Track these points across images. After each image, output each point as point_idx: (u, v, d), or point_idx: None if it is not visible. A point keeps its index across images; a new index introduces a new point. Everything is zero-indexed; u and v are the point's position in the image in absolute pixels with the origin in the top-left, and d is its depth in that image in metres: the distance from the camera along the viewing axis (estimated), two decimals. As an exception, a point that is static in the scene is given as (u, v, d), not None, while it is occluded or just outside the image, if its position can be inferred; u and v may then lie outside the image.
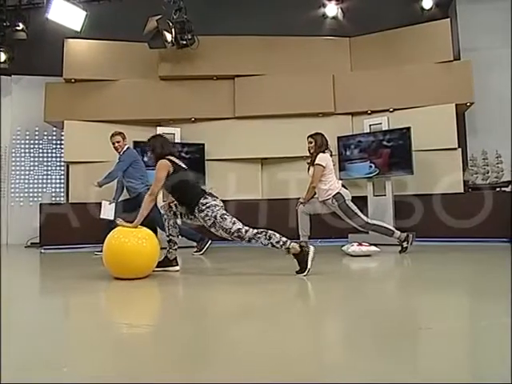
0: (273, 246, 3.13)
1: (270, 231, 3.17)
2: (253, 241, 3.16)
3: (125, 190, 5.08)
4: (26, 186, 7.20)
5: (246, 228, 3.19)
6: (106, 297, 2.78)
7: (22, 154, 7.23)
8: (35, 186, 7.23)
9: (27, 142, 7.25)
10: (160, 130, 6.21)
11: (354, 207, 4.33)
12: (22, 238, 6.57)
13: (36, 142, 7.28)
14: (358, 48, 6.51)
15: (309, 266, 3.06)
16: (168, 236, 3.49)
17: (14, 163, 7.18)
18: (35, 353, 1.51)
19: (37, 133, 7.26)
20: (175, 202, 3.50)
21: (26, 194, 7.17)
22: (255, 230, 3.17)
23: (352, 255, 4.17)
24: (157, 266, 3.38)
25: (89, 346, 1.65)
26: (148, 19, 5.61)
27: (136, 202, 4.74)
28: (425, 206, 5.49)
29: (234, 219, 3.23)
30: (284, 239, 3.12)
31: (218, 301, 2.58)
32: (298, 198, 4.68)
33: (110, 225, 4.56)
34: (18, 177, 7.18)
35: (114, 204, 4.94)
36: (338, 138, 6.02)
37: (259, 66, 6.49)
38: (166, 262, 3.45)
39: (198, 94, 6.48)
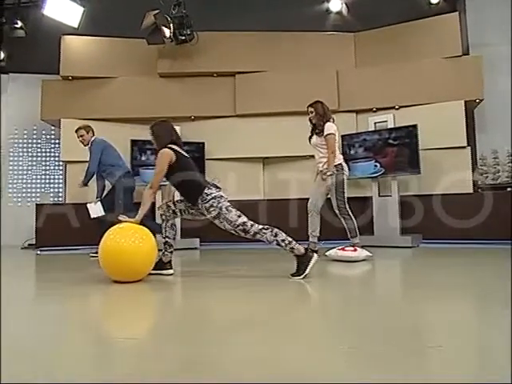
0: (278, 243, 3.05)
1: (276, 229, 3.09)
2: (257, 235, 3.06)
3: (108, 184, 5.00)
4: (24, 185, 7.08)
5: (252, 222, 3.10)
6: (98, 304, 2.64)
7: (20, 154, 7.11)
8: (33, 186, 7.12)
9: (25, 141, 7.13)
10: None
11: (346, 185, 4.20)
12: (19, 239, 6.45)
13: (34, 141, 7.16)
14: (362, 44, 6.32)
15: (307, 272, 2.97)
16: (164, 238, 3.37)
17: (11, 163, 7.07)
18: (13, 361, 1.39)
19: (35, 132, 7.14)
20: (174, 201, 3.38)
21: (24, 194, 7.06)
22: (261, 226, 3.08)
23: (340, 260, 3.94)
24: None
25: (71, 359, 1.49)
26: (145, 14, 5.46)
27: (114, 191, 4.83)
28: (432, 207, 5.30)
29: (239, 212, 3.13)
30: (290, 239, 3.05)
31: (214, 308, 2.41)
32: (306, 199, 4.47)
33: (103, 225, 4.45)
34: (15, 176, 7.07)
35: (99, 202, 4.86)
36: (342, 136, 5.82)
37: (261, 62, 6.32)
38: (159, 265, 3.31)
39: (197, 92, 6.32)
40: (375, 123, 5.83)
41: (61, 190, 7.10)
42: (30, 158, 7.14)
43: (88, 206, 4.86)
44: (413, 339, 1.69)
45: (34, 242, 6.09)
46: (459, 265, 3.85)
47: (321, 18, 6.35)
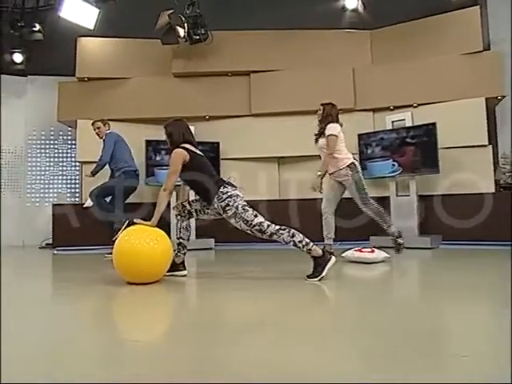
0: (295, 244, 2.99)
1: (293, 229, 3.03)
2: (274, 236, 3.01)
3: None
4: (42, 186, 7.18)
5: (268, 223, 3.05)
6: (109, 305, 2.62)
7: (38, 155, 7.21)
8: (51, 186, 7.20)
9: (43, 142, 7.22)
10: (173, 129, 6.07)
11: (364, 181, 4.15)
12: (37, 238, 6.54)
13: (51, 142, 7.25)
14: (379, 41, 6.20)
15: (323, 274, 2.91)
16: (178, 239, 3.33)
17: (29, 163, 7.17)
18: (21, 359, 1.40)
19: (52, 133, 7.23)
20: (189, 201, 3.34)
21: (42, 195, 7.15)
22: (277, 226, 3.03)
23: (357, 262, 3.86)
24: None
25: (79, 359, 1.46)
26: (160, 14, 5.45)
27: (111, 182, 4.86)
28: (452, 207, 5.16)
29: (256, 212, 3.08)
30: (307, 240, 2.99)
31: (227, 310, 2.37)
32: (319, 199, 4.44)
33: (114, 225, 4.46)
34: (33, 177, 7.16)
35: None
36: (359, 135, 5.74)
37: (276, 61, 6.26)
38: (172, 266, 3.27)
39: (212, 91, 6.30)
40: (393, 122, 5.72)
41: (77, 190, 7.17)
42: (47, 159, 7.23)
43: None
44: (426, 341, 1.62)
45: (51, 242, 6.15)
46: (479, 266, 3.73)
47: (336, 15, 6.26)
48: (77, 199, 7.09)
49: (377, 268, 3.68)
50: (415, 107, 5.82)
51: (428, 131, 5.27)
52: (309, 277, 2.95)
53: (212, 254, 5.32)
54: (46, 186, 7.19)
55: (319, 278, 2.92)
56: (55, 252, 5.60)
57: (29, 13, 6.76)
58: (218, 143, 6.10)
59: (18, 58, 6.85)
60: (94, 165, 5.00)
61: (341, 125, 4.28)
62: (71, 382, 1.31)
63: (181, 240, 3.32)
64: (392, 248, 4.13)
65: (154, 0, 5.69)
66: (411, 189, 5.35)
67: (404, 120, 5.63)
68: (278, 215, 5.81)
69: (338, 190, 4.27)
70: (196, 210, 3.30)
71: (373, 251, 3.86)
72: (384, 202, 5.41)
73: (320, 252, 2.98)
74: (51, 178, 7.22)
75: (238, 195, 3.12)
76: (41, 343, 1.72)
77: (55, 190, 7.20)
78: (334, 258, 3.02)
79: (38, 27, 6.57)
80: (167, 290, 2.92)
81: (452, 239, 5.18)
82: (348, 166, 4.12)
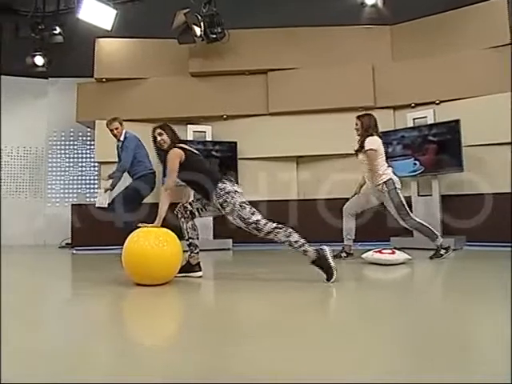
0: (290, 244, 2.94)
1: (290, 228, 2.96)
2: (270, 235, 2.96)
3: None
4: (62, 186, 7.28)
5: (266, 221, 2.98)
6: (120, 307, 2.59)
7: (58, 155, 7.32)
8: (70, 186, 7.30)
9: (63, 143, 7.33)
10: (191, 128, 6.07)
11: (402, 197, 4.02)
12: (57, 238, 6.62)
13: (71, 142, 7.36)
14: (400, 36, 6.04)
15: (333, 268, 2.82)
16: (188, 240, 3.28)
17: (50, 164, 7.28)
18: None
19: (72, 134, 7.33)
20: (190, 201, 3.33)
21: (62, 195, 7.25)
22: (274, 224, 2.96)
23: (377, 263, 3.74)
24: (178, 272, 3.17)
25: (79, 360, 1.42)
26: (176, 13, 5.44)
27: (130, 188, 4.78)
28: (476, 207, 4.96)
29: (254, 210, 3.03)
30: (303, 241, 2.92)
31: (241, 312, 2.32)
32: (346, 198, 4.37)
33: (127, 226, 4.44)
34: (54, 178, 7.27)
35: (108, 192, 4.83)
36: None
37: (293, 58, 6.17)
38: (187, 268, 3.23)
39: (229, 90, 6.26)
40: (414, 119, 5.56)
41: (96, 190, 7.22)
42: (67, 160, 7.33)
43: (99, 191, 4.92)
44: (442, 345, 1.52)
45: (70, 242, 6.22)
46: (503, 268, 3.55)
47: (355, 11, 6.11)
48: (95, 199, 7.14)
49: (397, 270, 3.56)
50: (437, 104, 5.65)
51: (451, 128, 5.10)
52: (328, 280, 2.86)
53: (229, 255, 5.28)
54: (66, 187, 7.29)
55: (334, 275, 2.83)
56: (74, 252, 5.64)
57: (49, 16, 6.86)
58: (235, 143, 6.05)
59: (39, 60, 6.94)
60: (112, 166, 5.00)
61: (380, 137, 4.17)
62: (79, 382, 1.29)
63: (191, 240, 3.28)
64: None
65: (170, 0, 5.68)
66: (434, 188, 5.21)
67: (426, 117, 5.47)
68: (297, 215, 5.76)
69: (370, 200, 4.19)
70: (198, 209, 3.28)
71: (393, 252, 3.74)
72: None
73: (314, 256, 2.87)
74: (71, 178, 7.31)
75: (236, 191, 3.07)
76: (49, 344, 1.69)
77: (75, 190, 7.30)
78: (326, 248, 2.88)
79: (58, 30, 6.66)
80: (179, 291, 2.87)
81: (476, 240, 5.00)
82: (384, 182, 4.00)
